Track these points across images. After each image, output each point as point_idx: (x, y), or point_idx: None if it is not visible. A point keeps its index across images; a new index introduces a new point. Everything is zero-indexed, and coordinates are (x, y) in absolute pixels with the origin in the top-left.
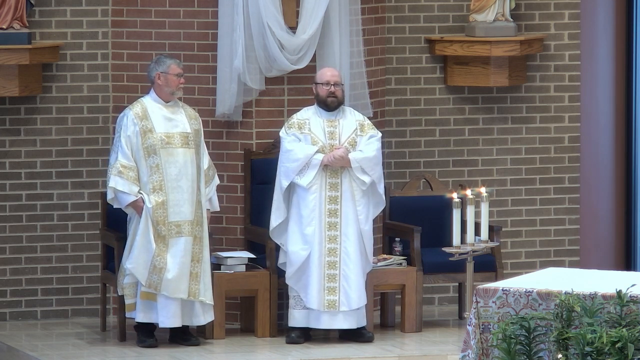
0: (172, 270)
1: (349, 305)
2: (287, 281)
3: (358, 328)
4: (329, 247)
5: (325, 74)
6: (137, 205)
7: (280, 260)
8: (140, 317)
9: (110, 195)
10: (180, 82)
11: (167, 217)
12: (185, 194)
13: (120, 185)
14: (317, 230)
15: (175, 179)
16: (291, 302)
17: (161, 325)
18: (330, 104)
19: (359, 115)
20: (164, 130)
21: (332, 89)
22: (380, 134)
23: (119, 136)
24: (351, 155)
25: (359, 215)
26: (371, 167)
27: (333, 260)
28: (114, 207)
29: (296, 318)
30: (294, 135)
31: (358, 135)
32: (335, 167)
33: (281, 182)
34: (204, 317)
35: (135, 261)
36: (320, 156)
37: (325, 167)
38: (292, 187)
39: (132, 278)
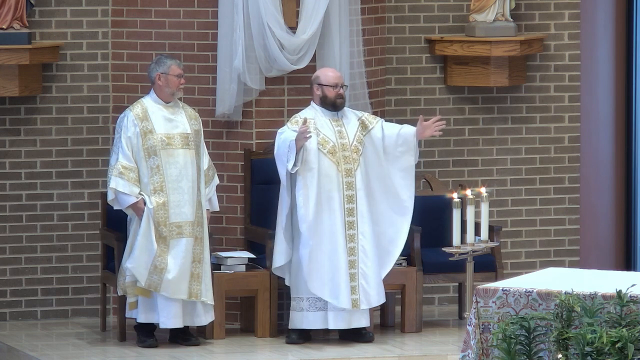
0: (172, 271)
1: (369, 303)
2: (312, 289)
3: (358, 328)
4: (349, 246)
5: (331, 75)
6: (138, 207)
7: (276, 264)
8: (142, 318)
9: (110, 196)
10: (180, 83)
11: (168, 218)
12: (185, 195)
13: (121, 186)
14: (340, 231)
15: (175, 180)
16: (304, 304)
17: (162, 326)
18: (339, 105)
19: (358, 112)
20: (164, 131)
21: (340, 90)
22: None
23: (119, 137)
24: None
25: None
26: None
27: (352, 259)
28: (115, 208)
29: (311, 320)
30: (294, 131)
31: (369, 127)
32: (302, 142)
33: (279, 171)
34: (205, 317)
35: (136, 261)
36: (293, 135)
37: (340, 166)
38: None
39: (133, 277)
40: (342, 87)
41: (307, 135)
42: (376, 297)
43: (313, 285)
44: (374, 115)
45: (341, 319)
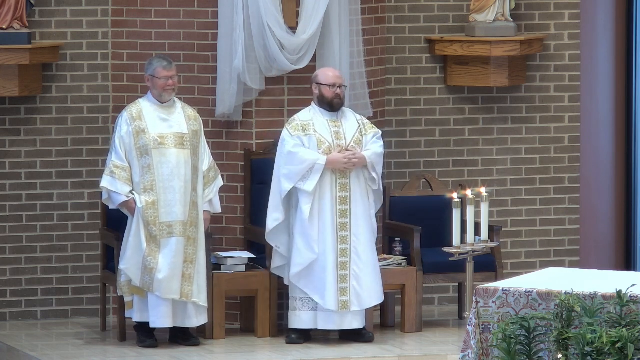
0: (162, 271)
1: (360, 304)
2: (292, 279)
3: (358, 328)
4: (340, 247)
5: (330, 75)
6: (129, 206)
7: (275, 264)
8: (137, 317)
9: (104, 196)
10: (167, 85)
11: (159, 217)
12: (177, 195)
13: (111, 185)
14: (329, 231)
15: (167, 179)
16: (297, 304)
17: (151, 325)
18: (336, 105)
19: (357, 115)
20: (158, 130)
21: (338, 90)
22: (380, 132)
23: (114, 136)
24: (365, 154)
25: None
26: (378, 163)
27: (344, 260)
28: (110, 207)
29: (303, 320)
30: (299, 139)
31: (363, 134)
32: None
33: (282, 185)
34: (197, 319)
35: (128, 261)
36: (324, 159)
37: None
38: (292, 190)
39: (128, 276)
40: (339, 87)
41: (354, 161)
42: (370, 298)
43: (303, 284)
44: (372, 125)
45: (331, 320)
